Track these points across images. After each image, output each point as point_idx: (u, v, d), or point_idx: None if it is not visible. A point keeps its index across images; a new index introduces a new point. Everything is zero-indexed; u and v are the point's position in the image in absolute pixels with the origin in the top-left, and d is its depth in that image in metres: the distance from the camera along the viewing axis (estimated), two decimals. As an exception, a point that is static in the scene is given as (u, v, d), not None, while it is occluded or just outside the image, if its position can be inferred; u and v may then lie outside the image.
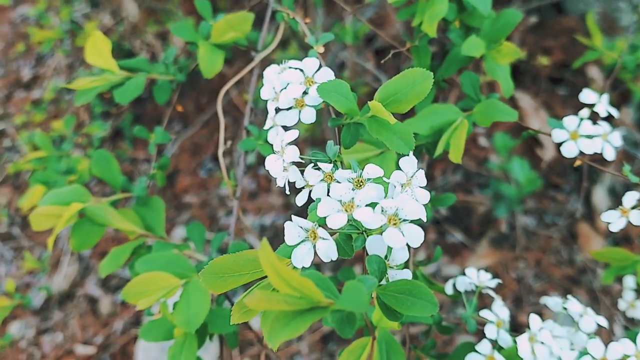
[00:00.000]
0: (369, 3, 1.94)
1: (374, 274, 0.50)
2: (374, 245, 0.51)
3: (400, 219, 0.51)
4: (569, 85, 2.52)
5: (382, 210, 0.51)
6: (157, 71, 0.92)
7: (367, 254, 0.52)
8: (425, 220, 0.53)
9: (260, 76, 0.85)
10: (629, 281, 1.11)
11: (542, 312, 2.02)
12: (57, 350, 2.24)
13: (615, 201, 2.14)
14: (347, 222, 0.51)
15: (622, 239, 2.07)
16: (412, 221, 0.51)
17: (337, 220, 0.50)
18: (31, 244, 2.51)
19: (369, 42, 2.47)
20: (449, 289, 0.87)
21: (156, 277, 0.80)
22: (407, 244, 0.50)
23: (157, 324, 0.85)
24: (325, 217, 0.52)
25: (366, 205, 0.52)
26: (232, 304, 0.93)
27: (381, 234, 0.51)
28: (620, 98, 2.43)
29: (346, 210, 0.52)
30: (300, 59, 0.71)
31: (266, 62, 0.93)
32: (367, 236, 0.54)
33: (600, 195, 2.22)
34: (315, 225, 0.53)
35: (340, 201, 0.52)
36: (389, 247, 0.52)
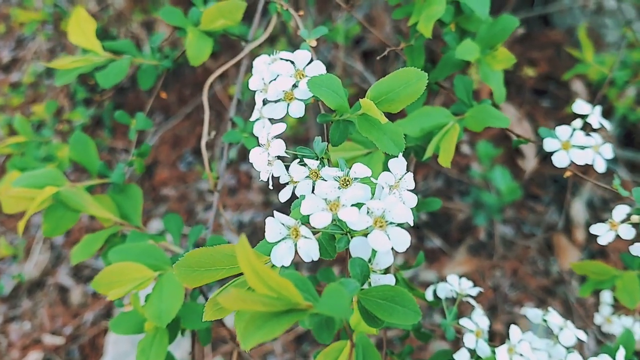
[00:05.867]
0: (360, 4, 1.93)
1: (356, 278, 0.48)
2: (358, 248, 0.49)
3: (386, 221, 0.49)
4: (552, 98, 2.54)
5: (368, 212, 0.50)
6: (142, 56, 0.89)
7: (349, 256, 0.50)
8: (412, 224, 0.51)
9: (249, 68, 0.83)
10: (606, 296, 1.11)
11: (517, 322, 2.03)
12: (24, 339, 2.17)
13: (593, 214, 2.16)
14: (332, 221, 0.49)
15: (599, 252, 2.09)
16: (398, 225, 0.49)
17: (321, 219, 0.48)
18: (2, 230, 2.44)
19: (357, 43, 2.46)
20: (429, 295, 0.85)
21: (129, 268, 0.77)
22: (392, 248, 0.48)
23: (128, 316, 0.82)
24: (308, 216, 0.50)
25: (352, 206, 0.50)
26: (207, 299, 0.91)
27: (366, 236, 0.49)
28: (603, 113, 2.46)
29: (331, 210, 0.50)
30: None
31: (253, 57, 0.90)
32: (351, 237, 0.52)
33: (578, 208, 2.24)
34: (298, 223, 0.51)
35: (326, 199, 0.50)
36: (373, 250, 0.50)
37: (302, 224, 0.51)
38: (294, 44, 2.09)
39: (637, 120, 2.25)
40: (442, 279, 2.17)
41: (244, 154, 2.47)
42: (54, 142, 1.46)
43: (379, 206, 0.49)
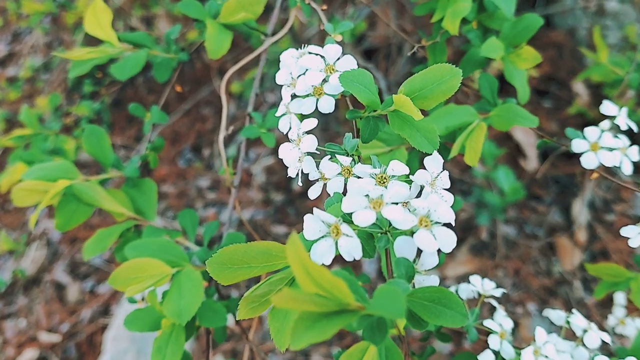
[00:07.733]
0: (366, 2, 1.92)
1: (401, 278, 0.46)
2: (403, 247, 0.47)
3: (431, 221, 0.48)
4: (554, 98, 2.54)
5: (413, 210, 0.48)
6: (158, 48, 0.87)
7: (387, 256, 0.48)
8: (454, 224, 0.50)
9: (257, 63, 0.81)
10: (620, 298, 1.10)
11: (520, 322, 2.03)
12: (20, 336, 2.14)
13: (595, 215, 2.17)
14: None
15: (600, 253, 2.10)
16: (443, 224, 0.48)
17: (365, 218, 0.46)
18: (-1, 225, 2.40)
19: (359, 41, 2.45)
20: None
21: (146, 264, 0.75)
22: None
23: (143, 313, 0.80)
24: (350, 213, 0.48)
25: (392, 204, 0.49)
26: (222, 297, 0.89)
27: (410, 235, 0.48)
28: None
29: (374, 208, 0.48)
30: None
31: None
32: (392, 236, 0.50)
33: (579, 209, 2.25)
34: (339, 220, 0.49)
35: (368, 197, 0.49)
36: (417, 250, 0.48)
37: (344, 221, 0.49)
38: (298, 40, 2.07)
39: (638, 121, 2.25)
40: (444, 278, 2.17)
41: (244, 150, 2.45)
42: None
43: (424, 205, 0.47)
